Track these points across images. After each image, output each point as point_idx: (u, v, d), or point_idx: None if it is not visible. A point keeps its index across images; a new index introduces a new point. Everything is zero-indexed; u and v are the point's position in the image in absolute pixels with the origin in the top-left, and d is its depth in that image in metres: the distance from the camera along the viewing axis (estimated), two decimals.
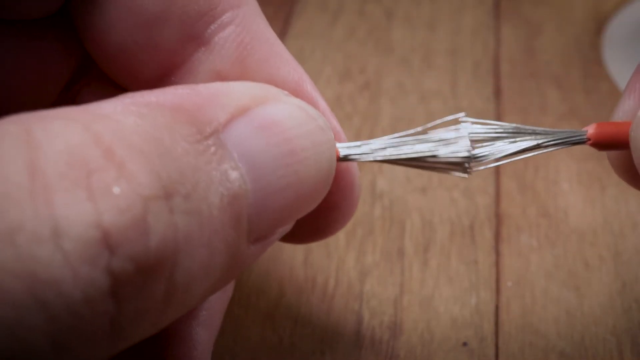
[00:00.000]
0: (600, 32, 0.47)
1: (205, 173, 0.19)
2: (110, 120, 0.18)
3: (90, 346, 0.17)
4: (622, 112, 0.25)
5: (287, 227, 0.23)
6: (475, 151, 0.25)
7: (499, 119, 0.41)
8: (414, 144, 0.25)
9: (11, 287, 0.15)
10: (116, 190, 0.17)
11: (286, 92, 0.23)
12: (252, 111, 0.21)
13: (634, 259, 0.34)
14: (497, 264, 0.34)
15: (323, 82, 0.43)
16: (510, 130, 0.25)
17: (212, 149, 0.20)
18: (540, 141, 0.25)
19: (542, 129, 0.25)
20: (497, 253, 0.34)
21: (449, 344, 0.31)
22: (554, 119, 0.41)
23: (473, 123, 0.25)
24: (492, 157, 0.25)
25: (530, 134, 0.25)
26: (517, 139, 0.25)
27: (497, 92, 0.43)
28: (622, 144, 0.24)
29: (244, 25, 0.24)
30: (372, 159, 0.25)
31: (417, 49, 0.46)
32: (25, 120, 0.17)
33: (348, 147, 0.25)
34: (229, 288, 0.28)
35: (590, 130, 0.25)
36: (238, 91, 0.22)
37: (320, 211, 0.25)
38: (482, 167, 0.25)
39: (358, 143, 0.25)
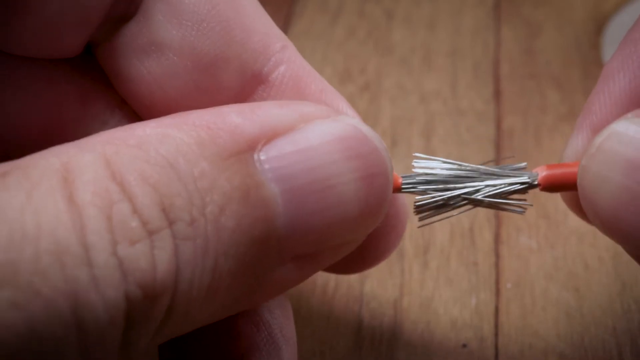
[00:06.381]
0: (600, 33, 0.47)
1: (222, 194, 0.19)
2: (131, 150, 0.19)
3: (107, 358, 0.18)
4: (572, 151, 0.26)
5: (343, 246, 0.23)
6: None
7: (499, 120, 0.41)
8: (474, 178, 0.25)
9: (61, 307, 0.17)
10: (132, 223, 0.18)
11: (342, 113, 0.23)
12: (297, 131, 0.21)
13: (634, 260, 0.34)
14: (497, 265, 0.34)
15: None
16: (461, 175, 0.25)
17: (239, 167, 0.20)
18: (489, 190, 0.25)
19: (494, 169, 0.25)
20: (497, 254, 0.34)
21: (449, 345, 0.31)
22: (554, 119, 0.41)
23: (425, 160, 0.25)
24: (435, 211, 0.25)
25: (478, 177, 0.25)
26: (466, 188, 0.25)
27: (497, 93, 0.43)
28: (572, 186, 0.24)
29: (294, 63, 0.25)
30: (432, 188, 0.24)
31: (417, 49, 0.46)
32: (65, 152, 0.19)
33: (409, 177, 0.24)
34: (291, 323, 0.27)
35: (541, 174, 0.25)
36: (286, 109, 0.22)
37: (364, 242, 0.24)
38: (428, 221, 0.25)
39: (418, 174, 0.25)
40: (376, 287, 0.33)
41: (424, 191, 0.24)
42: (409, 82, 0.44)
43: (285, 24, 0.47)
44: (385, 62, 0.45)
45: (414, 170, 0.25)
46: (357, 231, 0.23)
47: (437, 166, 0.25)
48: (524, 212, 0.25)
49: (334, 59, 0.45)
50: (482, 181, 0.25)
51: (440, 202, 0.24)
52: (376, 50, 0.46)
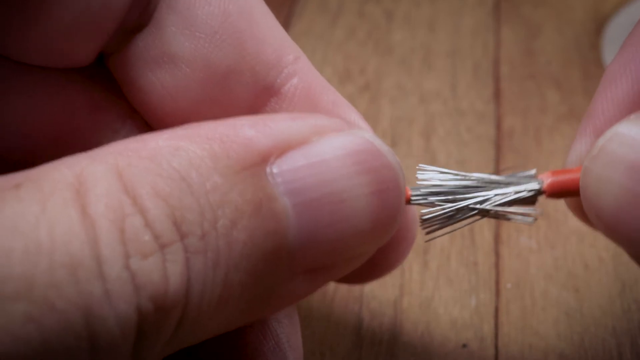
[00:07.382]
0: (600, 33, 0.47)
1: (234, 207, 0.19)
2: (144, 162, 0.19)
3: None
4: (575, 156, 0.26)
5: (354, 259, 0.23)
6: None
7: (499, 120, 0.41)
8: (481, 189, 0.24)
9: (74, 320, 0.17)
10: (144, 237, 0.18)
11: (355, 125, 0.23)
12: (309, 144, 0.21)
13: (636, 264, 0.34)
14: (497, 265, 0.34)
15: None
16: (466, 185, 0.24)
17: (252, 181, 0.20)
18: (494, 200, 0.24)
19: (499, 178, 0.25)
20: (497, 254, 0.34)
21: (449, 345, 0.31)
22: (554, 119, 0.41)
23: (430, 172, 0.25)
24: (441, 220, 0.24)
25: (486, 187, 0.24)
26: (471, 197, 0.24)
27: (497, 93, 0.43)
28: (578, 192, 0.24)
29: (306, 75, 0.25)
30: (443, 199, 0.24)
31: (417, 50, 0.46)
32: (78, 163, 0.18)
33: (417, 189, 0.24)
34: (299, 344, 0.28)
35: (546, 181, 0.25)
36: (299, 122, 0.21)
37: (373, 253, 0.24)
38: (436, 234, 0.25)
39: (426, 185, 0.24)
40: (376, 287, 0.33)
41: (433, 203, 0.24)
42: (409, 83, 0.44)
43: (285, 24, 0.47)
44: (385, 63, 0.45)
45: (418, 181, 0.24)
46: (368, 245, 0.23)
47: (442, 177, 0.24)
48: (533, 221, 0.25)
49: (334, 59, 0.45)
50: (489, 190, 0.24)
51: (448, 214, 0.24)
52: (376, 50, 0.46)
